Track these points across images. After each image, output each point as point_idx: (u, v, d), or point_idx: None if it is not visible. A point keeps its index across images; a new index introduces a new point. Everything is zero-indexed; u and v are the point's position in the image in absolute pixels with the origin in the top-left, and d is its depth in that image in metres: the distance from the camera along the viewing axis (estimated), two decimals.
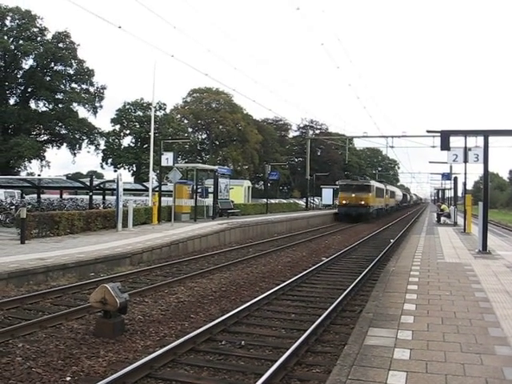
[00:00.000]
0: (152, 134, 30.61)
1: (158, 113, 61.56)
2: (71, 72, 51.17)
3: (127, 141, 65.98)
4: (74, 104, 50.99)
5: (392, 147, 38.83)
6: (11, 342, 6.92)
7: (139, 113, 64.82)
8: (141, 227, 21.84)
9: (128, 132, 65.22)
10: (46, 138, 53.78)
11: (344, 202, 41.40)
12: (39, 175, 44.29)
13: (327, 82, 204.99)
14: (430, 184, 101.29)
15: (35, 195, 32.76)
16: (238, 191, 41.13)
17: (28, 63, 49.18)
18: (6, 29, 46.60)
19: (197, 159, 69.20)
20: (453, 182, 37.57)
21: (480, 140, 15.56)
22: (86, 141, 54.53)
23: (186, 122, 70.98)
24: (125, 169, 64.82)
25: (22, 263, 11.49)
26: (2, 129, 47.88)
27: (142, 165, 62.27)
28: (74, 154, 53.45)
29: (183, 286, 11.36)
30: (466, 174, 24.03)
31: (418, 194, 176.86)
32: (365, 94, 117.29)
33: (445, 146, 15.48)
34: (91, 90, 53.05)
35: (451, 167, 35.94)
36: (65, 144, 52.84)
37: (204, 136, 75.78)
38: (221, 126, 70.53)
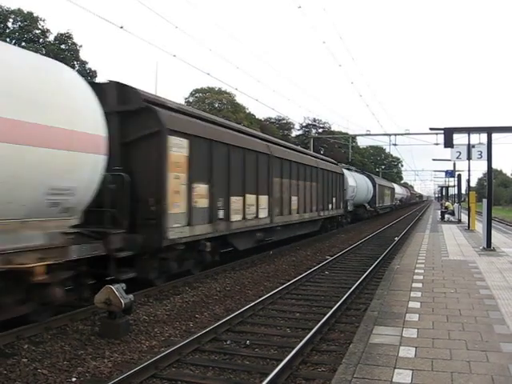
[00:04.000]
0: None
1: None
2: None
3: None
4: None
5: (395, 145, 38.65)
6: (17, 343, 6.94)
7: None
8: None
9: None
10: None
11: None
12: None
13: (330, 81, 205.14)
14: (433, 182, 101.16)
15: None
16: None
17: None
18: (8, 31, 46.68)
19: None
20: (456, 179, 37.52)
21: (483, 137, 15.58)
22: None
23: None
24: None
25: None
26: None
27: None
28: None
29: (188, 286, 11.36)
30: (469, 171, 24.05)
31: (417, 188, 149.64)
32: (367, 91, 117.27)
33: (448, 143, 15.49)
34: None
35: (455, 164, 35.84)
36: None
37: None
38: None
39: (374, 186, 41.74)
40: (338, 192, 26.83)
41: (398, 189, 70.80)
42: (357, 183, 34.17)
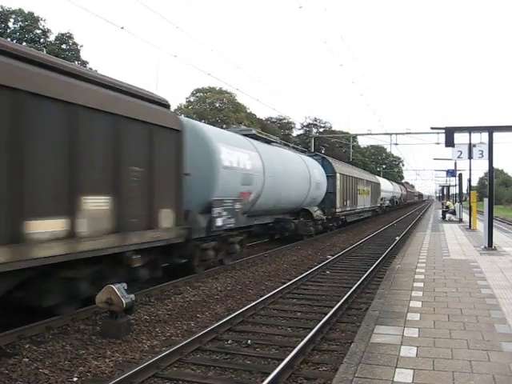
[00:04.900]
0: None
1: None
2: None
3: None
4: None
5: (396, 144, 38.63)
6: (18, 343, 6.95)
7: None
8: None
9: None
10: None
11: None
12: None
13: (330, 80, 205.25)
14: (434, 181, 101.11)
15: None
16: None
17: None
18: (9, 31, 46.73)
19: None
20: (457, 178, 37.50)
21: (485, 136, 15.56)
22: None
23: None
24: None
25: None
26: None
27: None
28: None
29: (189, 285, 11.37)
30: (470, 170, 24.01)
31: (418, 188, 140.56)
32: (368, 91, 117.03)
33: (449, 142, 15.49)
34: None
35: (456, 164, 35.82)
36: None
37: None
38: (225, 126, 70.38)
39: (332, 177, 25.45)
40: (150, 182, 9.50)
41: (386, 185, 53.22)
42: (264, 166, 16.13)
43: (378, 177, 48.49)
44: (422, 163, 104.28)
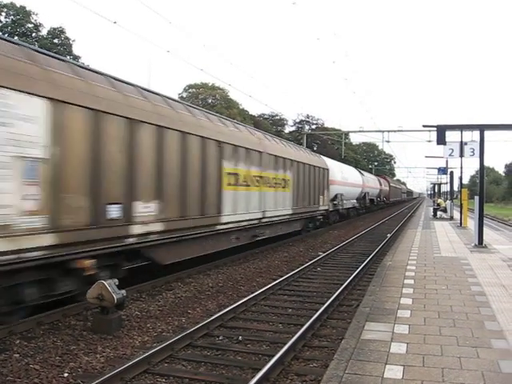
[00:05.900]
0: None
1: None
2: None
3: None
4: None
5: (388, 142, 38.74)
6: (8, 338, 6.92)
7: None
8: None
9: None
10: None
11: None
12: None
13: (323, 77, 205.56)
14: (426, 178, 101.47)
15: None
16: None
17: None
18: (0, 25, 46.41)
19: None
20: (449, 176, 37.72)
21: (476, 134, 15.65)
22: None
23: None
24: None
25: None
26: None
27: None
28: None
29: (180, 281, 11.36)
30: (461, 168, 24.17)
31: (410, 185, 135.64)
32: (361, 88, 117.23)
33: (441, 140, 15.57)
34: None
35: (447, 161, 36.05)
36: None
37: None
38: None
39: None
40: None
41: (347, 174, 33.07)
42: None
43: (325, 158, 28.59)
44: (414, 161, 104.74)
